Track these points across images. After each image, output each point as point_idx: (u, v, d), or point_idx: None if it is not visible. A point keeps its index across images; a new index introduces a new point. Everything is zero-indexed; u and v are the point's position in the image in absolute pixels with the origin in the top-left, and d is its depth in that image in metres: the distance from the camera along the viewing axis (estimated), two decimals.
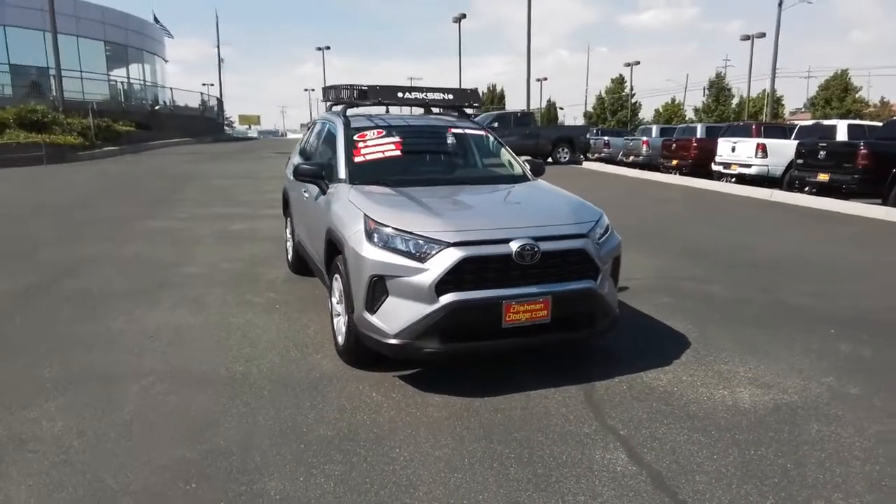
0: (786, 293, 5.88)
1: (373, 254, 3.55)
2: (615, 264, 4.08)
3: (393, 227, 3.58)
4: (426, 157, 5.15)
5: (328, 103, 5.86)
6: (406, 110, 5.99)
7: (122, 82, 35.27)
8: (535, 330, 3.64)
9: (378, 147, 4.80)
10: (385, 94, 4.94)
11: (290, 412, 3.42)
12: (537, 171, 5.25)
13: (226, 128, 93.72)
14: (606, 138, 24.81)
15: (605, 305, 3.87)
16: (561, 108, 73.83)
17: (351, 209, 3.94)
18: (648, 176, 18.18)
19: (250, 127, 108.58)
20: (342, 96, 5.19)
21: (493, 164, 5.25)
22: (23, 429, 3.22)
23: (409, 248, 3.50)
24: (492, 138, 5.38)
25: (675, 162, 18.57)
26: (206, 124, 36.76)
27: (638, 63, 57.95)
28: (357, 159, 4.69)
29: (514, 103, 67.59)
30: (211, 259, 7.24)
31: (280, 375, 3.92)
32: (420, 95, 5.10)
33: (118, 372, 3.95)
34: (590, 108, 66.15)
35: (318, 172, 4.61)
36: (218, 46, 56.83)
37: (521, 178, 4.92)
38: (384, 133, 4.94)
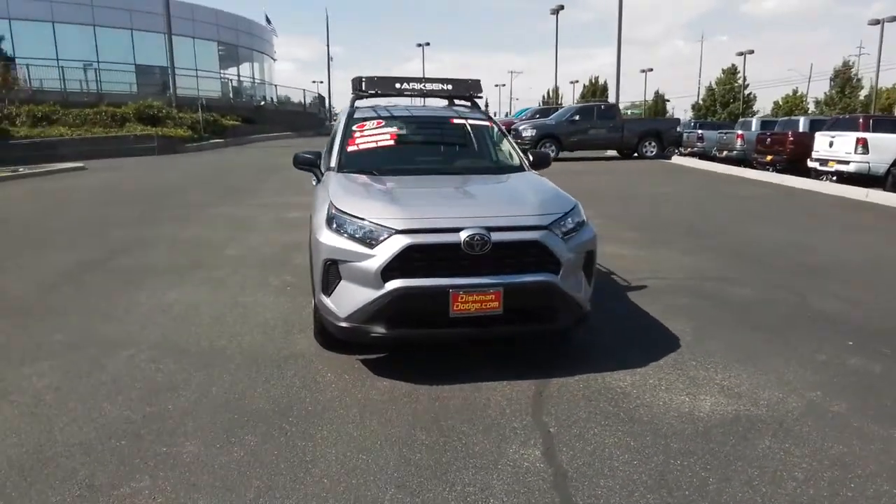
0: (821, 299, 5.38)
1: (328, 239, 3.66)
2: (587, 258, 3.94)
3: (348, 214, 3.68)
4: (421, 147, 5.19)
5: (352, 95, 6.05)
6: (425, 101, 6.08)
7: (231, 80, 37.84)
8: (486, 321, 3.61)
9: (373, 137, 4.91)
10: (382, 86, 5.04)
11: (243, 385, 3.63)
12: (540, 163, 5.15)
13: (332, 122, 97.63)
14: (700, 132, 23.47)
15: (567, 300, 3.76)
16: (668, 100, 70.61)
17: (324, 196, 4.08)
18: (736, 172, 17.05)
19: None
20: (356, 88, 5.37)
21: (490, 154, 5.20)
22: (13, 382, 3.64)
23: (361, 234, 3.58)
24: (496, 129, 5.33)
25: (769, 158, 17.26)
26: (308, 119, 38.67)
27: (752, 52, 54.27)
28: (350, 148, 4.83)
29: (611, 96, 65.56)
30: (254, 243, 7.70)
31: (254, 351, 4.14)
32: (418, 86, 5.15)
33: (118, 340, 4.35)
34: (700, 100, 62.78)
35: (313, 161, 4.80)
36: (328, 45, 59.92)
37: (516, 169, 4.86)
38: (384, 123, 5.05)
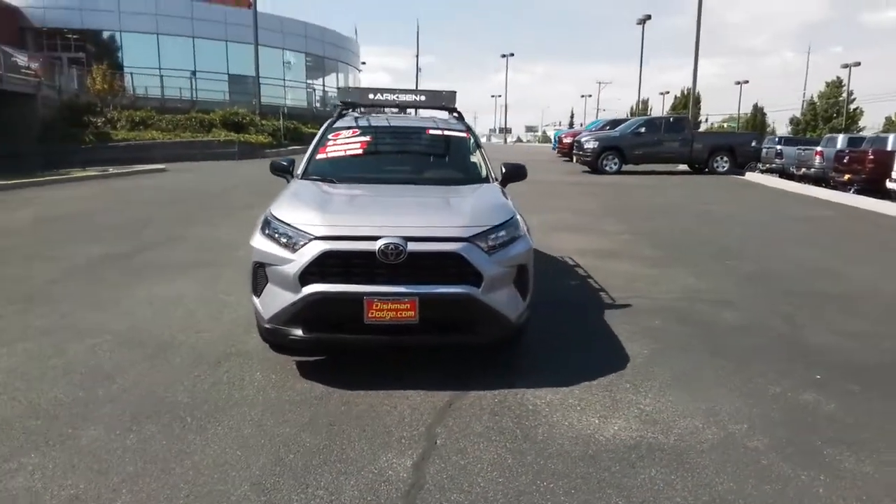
0: (816, 329, 4.98)
1: (258, 242, 3.82)
2: (519, 272, 3.89)
3: (279, 219, 3.82)
4: (388, 157, 5.27)
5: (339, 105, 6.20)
6: (417, 112, 6.16)
7: (315, 89, 39.53)
8: (402, 329, 3.64)
9: (344, 145, 5.06)
10: (358, 96, 5.18)
11: (176, 378, 3.84)
12: (511, 176, 5.10)
13: None
14: (779, 147, 22.08)
15: (489, 314, 3.71)
16: (764, 114, 66.79)
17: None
18: (808, 191, 15.92)
19: None
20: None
21: (457, 165, 5.19)
22: None
23: (285, 239, 3.71)
24: (472, 140, 5.32)
25: (847, 177, 16.01)
26: None
27: (858, 64, 50.39)
28: (319, 156, 5.00)
29: (713, 108, 62.56)
30: None
31: (206, 348, 4.36)
32: (392, 97, 5.24)
33: (92, 329, 4.71)
34: (800, 114, 58.99)
35: (286, 168, 4.99)
36: (417, 56, 60.92)
37: (478, 181, 4.83)
38: (359, 133, 5.19)
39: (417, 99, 5.27)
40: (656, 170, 21.60)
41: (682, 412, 3.50)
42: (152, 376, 3.86)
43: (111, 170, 19.45)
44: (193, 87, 33.11)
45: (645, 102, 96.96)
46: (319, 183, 4.62)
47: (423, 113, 6.04)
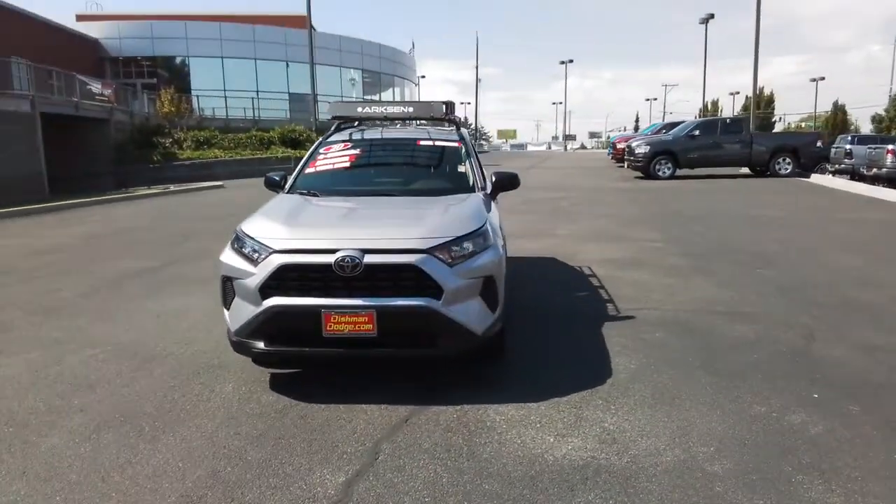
0: (831, 343, 4.60)
1: (226, 256, 3.89)
2: (486, 284, 3.79)
3: (246, 233, 3.88)
4: (375, 169, 5.25)
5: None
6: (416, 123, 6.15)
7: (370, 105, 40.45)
8: (361, 342, 3.61)
9: (333, 159, 5.11)
10: (345, 111, 5.22)
11: (151, 389, 3.95)
12: (501, 186, 5.01)
13: (482, 142, 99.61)
14: (849, 147, 20.69)
15: (452, 327, 3.63)
16: (845, 112, 62.88)
17: None
18: (876, 193, 14.82)
19: (506, 141, 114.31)
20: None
21: (444, 175, 5.12)
22: None
23: (249, 252, 3.77)
24: (463, 150, 5.24)
25: None
26: None
27: None
28: (308, 170, 5.07)
29: (790, 108, 59.76)
30: None
31: (191, 359, 4.47)
32: (380, 109, 5.25)
33: (95, 340, 4.93)
34: (883, 111, 55.22)
35: (277, 182, 5.08)
36: (476, 67, 61.35)
37: (463, 191, 4.74)
38: (350, 146, 5.23)
39: (406, 111, 5.26)
40: (715, 174, 20.71)
41: (647, 432, 3.30)
42: (131, 386, 4.00)
43: (172, 187, 20.50)
44: (255, 106, 34.51)
45: (714, 104, 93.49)
46: (303, 197, 4.67)
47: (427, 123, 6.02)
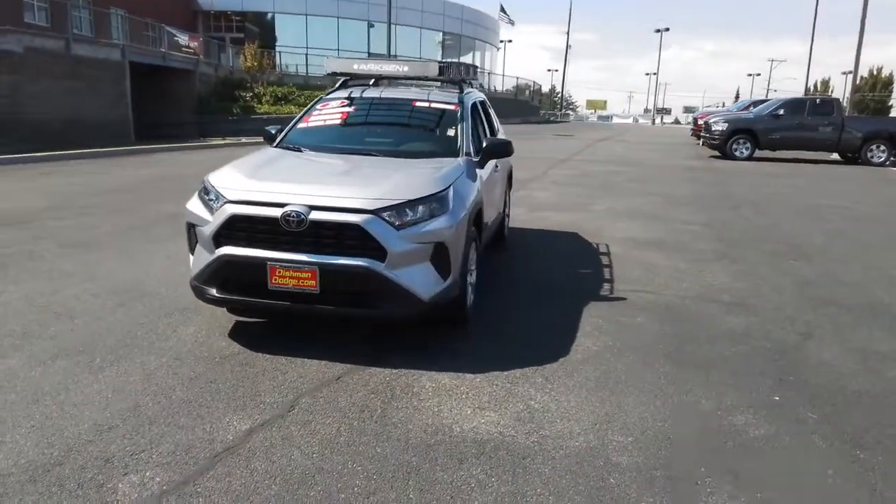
0: (827, 344, 4.23)
1: (191, 204, 4.01)
2: (437, 250, 3.72)
3: (210, 183, 3.98)
4: (363, 128, 5.18)
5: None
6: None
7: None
8: (304, 298, 3.65)
9: (325, 115, 5.12)
10: (339, 66, 5.19)
11: (123, 324, 4.17)
12: (492, 153, 4.88)
13: (568, 112, 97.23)
14: None
15: (394, 289, 3.60)
16: None
17: None
18: None
19: (595, 111, 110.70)
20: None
21: (431, 138, 4.99)
22: None
23: (209, 201, 3.87)
24: (459, 113, 5.08)
25: None
26: (517, 107, 39.34)
27: None
28: (300, 125, 5.11)
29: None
30: None
31: (173, 300, 4.66)
32: (376, 67, 5.17)
33: (101, 276, 5.25)
34: None
35: (271, 136, 5.16)
36: (567, 33, 59.24)
37: (448, 154, 4.62)
38: (346, 104, 5.22)
39: (401, 69, 5.16)
40: (799, 157, 19.28)
41: (570, 415, 3.17)
42: (105, 320, 4.24)
43: (243, 139, 21.30)
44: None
45: (825, 83, 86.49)
46: (284, 151, 4.73)
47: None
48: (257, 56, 29.22)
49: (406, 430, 2.97)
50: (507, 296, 5.11)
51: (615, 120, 78.71)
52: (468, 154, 4.72)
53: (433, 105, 5.16)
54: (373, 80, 5.85)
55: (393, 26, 34.87)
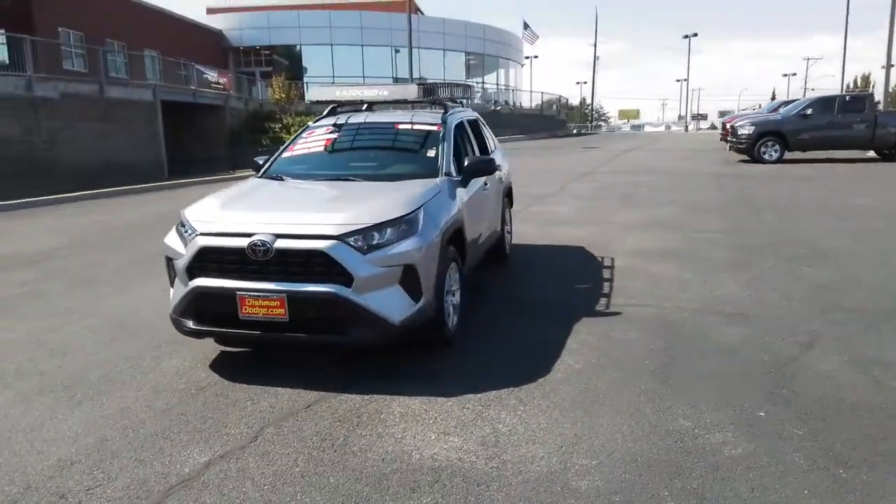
0: (830, 356, 4.00)
1: (168, 238, 4.08)
2: (406, 272, 3.68)
3: (184, 215, 4.04)
4: (345, 154, 5.18)
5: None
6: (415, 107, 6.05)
7: (472, 86, 40.40)
8: (274, 327, 3.66)
9: (311, 143, 5.17)
10: (321, 94, 5.25)
11: (110, 358, 4.24)
12: (473, 172, 4.83)
13: (600, 123, 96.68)
14: None
15: (365, 315, 3.57)
16: None
17: None
18: None
19: (627, 121, 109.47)
20: None
21: (411, 160, 4.96)
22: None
23: (183, 235, 3.93)
24: (441, 134, 5.05)
25: None
26: (543, 121, 39.27)
27: None
28: (286, 154, 5.17)
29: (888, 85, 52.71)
30: None
31: (164, 334, 4.61)
32: (357, 93, 5.20)
33: (103, 311, 5.39)
34: None
35: (258, 166, 5.23)
36: (595, 45, 58.79)
37: (428, 175, 4.58)
38: (331, 130, 5.27)
39: (381, 94, 5.19)
40: (834, 157, 18.61)
41: (537, 437, 3.06)
42: (96, 355, 4.32)
43: None
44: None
45: (865, 78, 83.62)
46: (266, 181, 4.79)
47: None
48: (285, 87, 29.99)
49: (364, 459, 2.92)
50: (497, 314, 5.02)
51: (646, 129, 77.60)
52: (448, 174, 4.68)
53: (415, 127, 5.16)
54: (365, 106, 5.91)
55: (416, 50, 35.46)
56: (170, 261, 4.02)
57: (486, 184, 5.47)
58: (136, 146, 21.32)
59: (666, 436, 3.06)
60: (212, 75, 26.87)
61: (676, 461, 2.83)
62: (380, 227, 3.68)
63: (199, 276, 3.76)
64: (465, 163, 4.84)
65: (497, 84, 43.02)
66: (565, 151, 26.97)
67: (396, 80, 38.26)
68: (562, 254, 7.24)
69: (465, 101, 6.97)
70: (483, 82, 42.61)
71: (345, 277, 3.55)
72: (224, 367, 4.05)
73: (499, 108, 37.31)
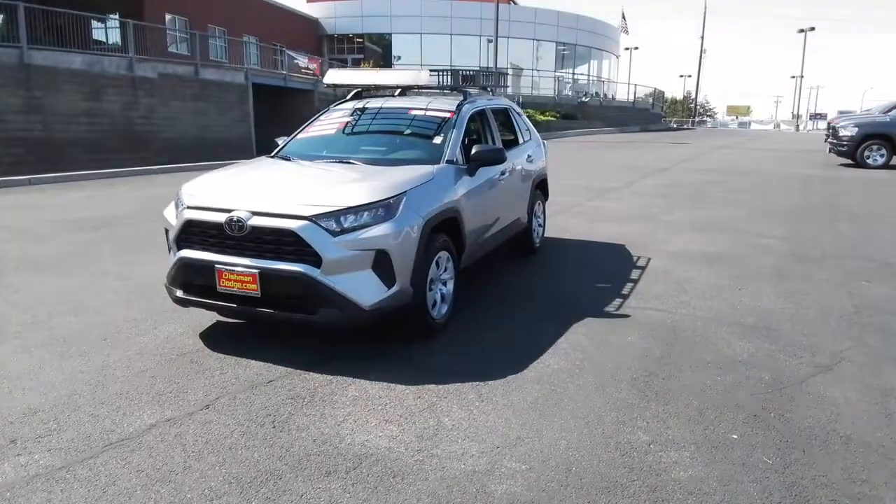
0: (847, 381, 3.58)
1: (167, 210, 4.23)
2: (378, 257, 3.64)
3: (181, 189, 4.17)
4: (356, 137, 5.13)
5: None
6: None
7: (561, 77, 39.42)
8: (248, 301, 3.72)
9: (326, 126, 5.21)
10: (337, 78, 5.27)
11: (120, 319, 4.48)
12: (481, 160, 4.68)
13: (706, 119, 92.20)
14: None
15: (333, 296, 3.56)
16: None
17: None
18: None
19: (736, 117, 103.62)
20: None
21: (420, 145, 4.83)
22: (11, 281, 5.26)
23: (177, 206, 4.07)
24: (453, 121, 4.91)
25: None
26: (635, 114, 37.73)
27: None
28: (301, 136, 5.23)
29: None
30: None
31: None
32: (374, 77, 5.16)
33: (137, 274, 5.71)
34: None
35: (277, 146, 5.33)
36: (702, 38, 55.93)
37: (431, 161, 4.49)
38: (347, 114, 5.28)
39: (397, 79, 5.13)
40: None
41: (477, 436, 2.93)
42: (105, 315, 4.58)
43: None
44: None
45: None
46: (272, 160, 4.87)
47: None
48: None
49: (295, 438, 2.91)
50: (502, 308, 4.87)
51: (753, 126, 72.81)
52: (451, 161, 4.57)
53: (428, 113, 5.07)
54: (399, 91, 5.85)
55: (506, 40, 35.18)
56: (167, 232, 4.18)
57: (502, 173, 5.31)
58: (228, 125, 22.48)
59: (614, 448, 2.85)
60: (302, 61, 27.81)
61: (613, 476, 2.62)
62: (355, 210, 3.64)
63: (185, 247, 3.88)
64: (473, 151, 4.70)
65: (588, 75, 41.77)
66: (650, 146, 25.81)
67: (481, 69, 38.08)
68: (597, 251, 6.93)
69: (496, 88, 6.78)
70: (574, 73, 41.51)
71: (314, 258, 3.55)
72: (213, 336, 4.18)
73: (587, 99, 36.22)
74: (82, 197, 10.82)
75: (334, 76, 5.41)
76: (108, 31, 26.08)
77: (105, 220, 8.48)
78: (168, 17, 27.43)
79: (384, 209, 3.70)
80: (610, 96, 40.62)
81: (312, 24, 37.33)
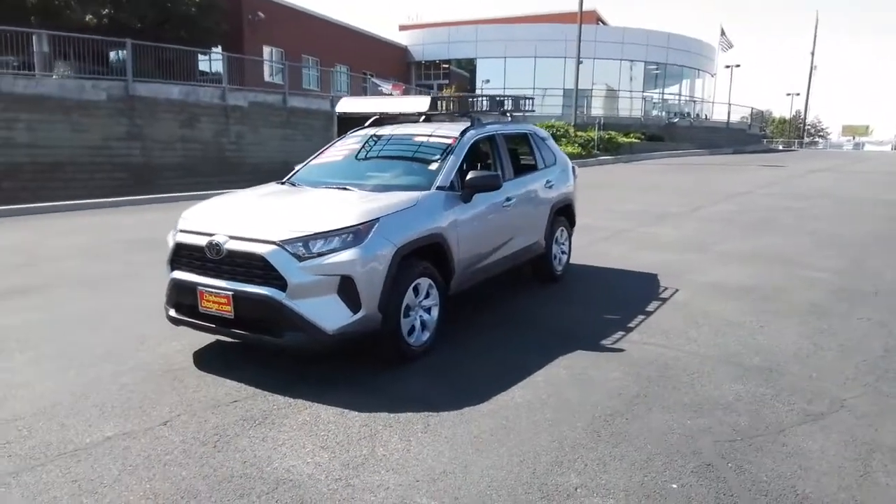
0: (842, 434, 3.23)
1: (169, 234, 4.53)
2: (343, 283, 3.72)
3: (181, 214, 4.45)
4: (359, 164, 5.21)
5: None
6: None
7: (650, 98, 38.25)
8: (224, 322, 3.90)
9: (337, 152, 5.39)
10: (348, 106, 5.42)
11: (138, 333, 4.82)
12: (476, 186, 4.67)
13: (818, 140, 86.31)
14: None
15: (297, 320, 3.67)
16: None
17: None
18: None
19: (853, 138, 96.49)
20: None
21: (415, 171, 4.86)
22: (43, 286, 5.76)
23: (173, 231, 4.35)
24: (454, 147, 4.93)
25: None
26: (729, 135, 35.79)
27: None
28: (313, 162, 5.44)
29: None
30: None
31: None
32: (377, 107, 5.27)
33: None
34: None
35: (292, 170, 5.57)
36: (812, 52, 52.57)
37: (423, 187, 4.53)
38: (358, 140, 5.44)
39: (394, 106, 5.21)
40: None
41: (403, 467, 2.91)
42: (120, 332, 4.92)
43: None
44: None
45: None
46: (277, 187, 5.08)
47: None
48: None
49: (228, 459, 3.01)
50: (495, 335, 4.79)
51: (867, 147, 67.05)
52: (443, 187, 4.59)
53: (431, 140, 5.12)
54: (423, 117, 5.94)
55: (593, 61, 34.77)
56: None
57: (508, 199, 5.26)
58: (313, 150, 22.95)
59: (537, 490, 2.73)
60: (386, 88, 28.75)
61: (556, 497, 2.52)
62: (323, 235, 3.75)
63: (177, 269, 4.14)
64: (467, 178, 4.70)
65: (679, 95, 40.23)
66: (738, 169, 24.43)
67: (565, 92, 37.70)
68: (625, 280, 6.65)
69: (517, 114, 6.74)
70: (663, 93, 40.17)
71: (280, 282, 3.68)
72: (205, 354, 4.40)
73: (676, 120, 34.84)
74: (158, 219, 11.73)
75: (346, 105, 5.60)
76: (211, 62, 28.31)
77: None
78: (266, 49, 29.34)
79: (353, 235, 3.78)
80: (703, 116, 38.88)
81: (401, 51, 38.59)
